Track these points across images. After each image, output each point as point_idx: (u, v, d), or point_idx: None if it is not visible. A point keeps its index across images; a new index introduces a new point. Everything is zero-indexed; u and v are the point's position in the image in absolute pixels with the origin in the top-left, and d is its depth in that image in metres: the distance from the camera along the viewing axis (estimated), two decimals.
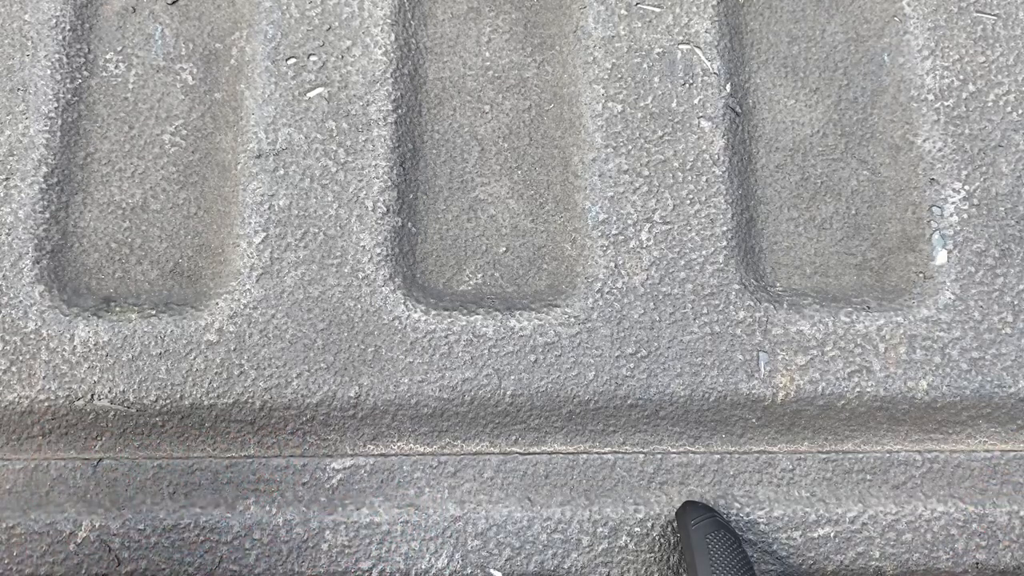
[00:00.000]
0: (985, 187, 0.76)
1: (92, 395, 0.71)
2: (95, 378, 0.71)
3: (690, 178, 0.75)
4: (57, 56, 0.77)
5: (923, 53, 0.79)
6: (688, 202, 0.75)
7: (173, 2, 0.80)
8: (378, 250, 0.73)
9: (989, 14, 0.80)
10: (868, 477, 0.72)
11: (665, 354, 0.72)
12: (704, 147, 0.76)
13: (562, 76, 0.79)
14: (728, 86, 0.77)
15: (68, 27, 0.78)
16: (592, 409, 0.72)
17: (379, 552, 0.69)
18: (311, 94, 0.76)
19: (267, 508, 0.70)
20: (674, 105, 0.76)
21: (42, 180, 0.75)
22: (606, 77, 0.77)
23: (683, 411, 0.72)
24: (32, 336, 0.71)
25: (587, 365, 0.72)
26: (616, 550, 0.70)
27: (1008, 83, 0.78)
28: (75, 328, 0.71)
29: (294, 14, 0.78)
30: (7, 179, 0.74)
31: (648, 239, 0.74)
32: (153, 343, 0.71)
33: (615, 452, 0.72)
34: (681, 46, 0.78)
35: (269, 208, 0.74)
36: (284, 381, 0.71)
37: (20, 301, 0.72)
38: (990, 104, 0.78)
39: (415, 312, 0.72)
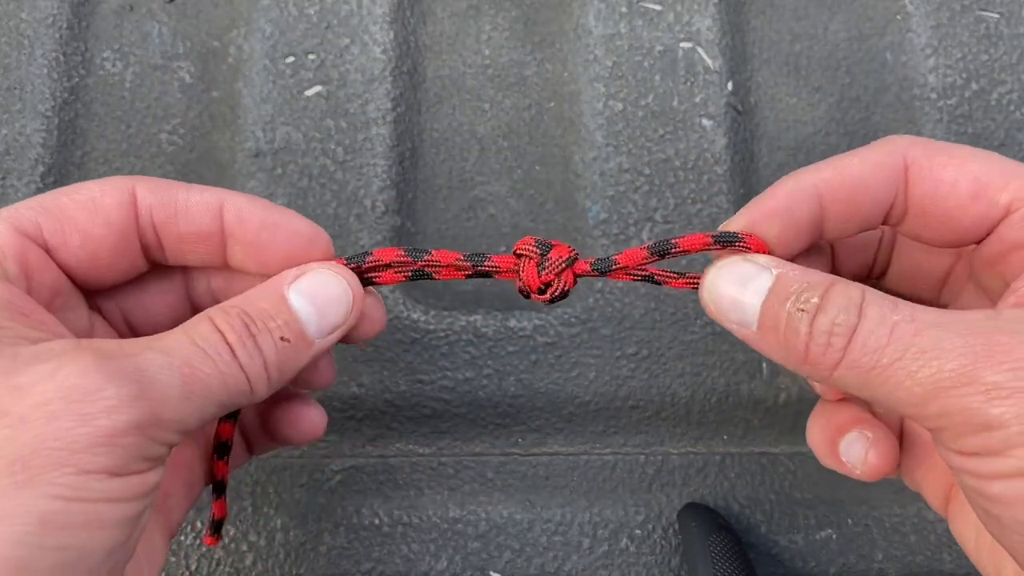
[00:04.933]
0: None
1: None
2: None
3: (691, 177, 0.74)
4: (54, 54, 0.77)
5: (926, 51, 0.78)
6: (689, 201, 0.74)
7: (170, 0, 0.79)
8: None
9: (992, 12, 0.79)
10: None
11: (666, 354, 0.72)
12: (706, 146, 0.75)
13: (562, 74, 0.78)
14: (730, 84, 0.77)
15: (65, 25, 0.78)
16: (593, 410, 0.71)
17: (378, 554, 0.69)
18: (309, 92, 0.76)
19: (265, 510, 0.69)
20: (675, 103, 0.76)
21: (39, 179, 0.74)
22: (607, 75, 0.76)
23: (684, 412, 0.72)
24: None
25: (588, 365, 0.71)
26: (617, 552, 0.69)
27: (1011, 82, 0.78)
28: None
29: (292, 12, 0.77)
30: (3, 178, 0.74)
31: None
32: None
33: (616, 453, 0.72)
34: (682, 44, 0.77)
35: None
36: None
37: None
38: (993, 103, 0.77)
39: (415, 312, 0.72)
